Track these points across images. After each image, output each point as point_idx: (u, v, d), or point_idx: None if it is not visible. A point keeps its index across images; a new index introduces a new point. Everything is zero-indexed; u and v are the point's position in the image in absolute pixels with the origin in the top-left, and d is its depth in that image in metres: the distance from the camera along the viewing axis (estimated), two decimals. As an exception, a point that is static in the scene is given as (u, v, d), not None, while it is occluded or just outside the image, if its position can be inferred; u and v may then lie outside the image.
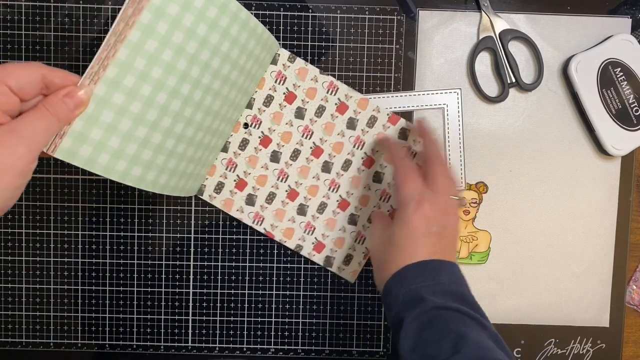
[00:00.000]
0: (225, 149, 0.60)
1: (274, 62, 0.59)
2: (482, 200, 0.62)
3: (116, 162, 0.45)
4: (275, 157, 0.61)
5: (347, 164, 0.61)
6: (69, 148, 0.42)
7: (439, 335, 0.43)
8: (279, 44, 0.60)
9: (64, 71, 0.41)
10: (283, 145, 0.60)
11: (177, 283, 0.62)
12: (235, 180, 0.60)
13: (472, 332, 0.43)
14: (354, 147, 0.61)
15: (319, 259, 0.61)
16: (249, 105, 0.60)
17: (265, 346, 0.63)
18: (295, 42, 0.61)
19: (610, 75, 0.60)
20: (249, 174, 0.60)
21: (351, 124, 0.61)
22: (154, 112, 0.46)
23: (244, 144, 0.60)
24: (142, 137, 0.46)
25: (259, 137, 0.60)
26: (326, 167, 0.61)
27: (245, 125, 0.60)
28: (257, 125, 0.60)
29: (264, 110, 0.60)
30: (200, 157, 0.55)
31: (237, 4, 0.48)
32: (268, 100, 0.60)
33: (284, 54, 0.59)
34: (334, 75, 0.61)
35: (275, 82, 0.60)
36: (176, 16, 0.45)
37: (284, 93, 0.60)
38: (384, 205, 0.61)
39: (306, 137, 0.61)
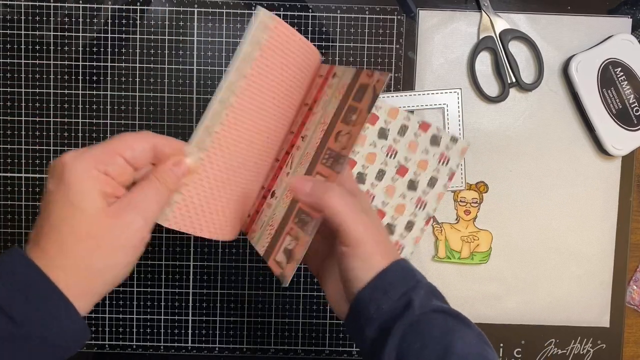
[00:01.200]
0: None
1: None
2: (483, 200, 0.62)
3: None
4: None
5: (380, 174, 0.61)
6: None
7: (420, 345, 0.38)
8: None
9: (173, 139, 0.41)
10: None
11: (177, 283, 0.62)
12: None
13: (457, 340, 0.39)
14: (386, 156, 0.61)
15: None
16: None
17: (265, 346, 0.63)
18: (295, 42, 0.61)
19: (610, 75, 0.60)
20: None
21: (382, 134, 0.61)
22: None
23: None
24: None
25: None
26: (360, 179, 0.61)
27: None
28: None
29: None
30: None
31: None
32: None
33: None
34: (334, 75, 0.61)
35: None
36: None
37: None
38: (419, 213, 0.61)
39: None
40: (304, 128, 0.53)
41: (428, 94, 0.61)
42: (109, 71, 0.61)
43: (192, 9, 0.60)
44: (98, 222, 0.36)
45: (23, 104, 0.60)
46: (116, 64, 0.60)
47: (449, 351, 0.37)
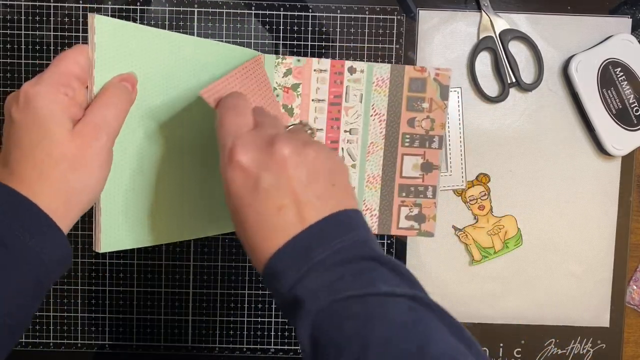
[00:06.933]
0: None
1: None
2: (490, 190, 0.62)
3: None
4: None
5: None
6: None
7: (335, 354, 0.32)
8: (279, 44, 0.60)
9: None
10: None
11: (177, 283, 0.62)
12: None
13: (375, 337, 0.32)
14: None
15: None
16: None
17: (265, 346, 0.63)
18: (295, 42, 0.61)
19: (610, 75, 0.60)
20: None
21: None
22: None
23: None
24: None
25: None
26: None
27: None
28: None
29: None
30: None
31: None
32: None
33: None
34: (334, 75, 0.61)
35: None
36: None
37: None
38: None
39: None
40: (341, 122, 0.60)
41: (428, 94, 0.62)
42: (109, 71, 0.60)
43: (192, 9, 0.60)
44: (69, 143, 0.37)
45: (23, 104, 0.60)
46: (116, 64, 0.60)
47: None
